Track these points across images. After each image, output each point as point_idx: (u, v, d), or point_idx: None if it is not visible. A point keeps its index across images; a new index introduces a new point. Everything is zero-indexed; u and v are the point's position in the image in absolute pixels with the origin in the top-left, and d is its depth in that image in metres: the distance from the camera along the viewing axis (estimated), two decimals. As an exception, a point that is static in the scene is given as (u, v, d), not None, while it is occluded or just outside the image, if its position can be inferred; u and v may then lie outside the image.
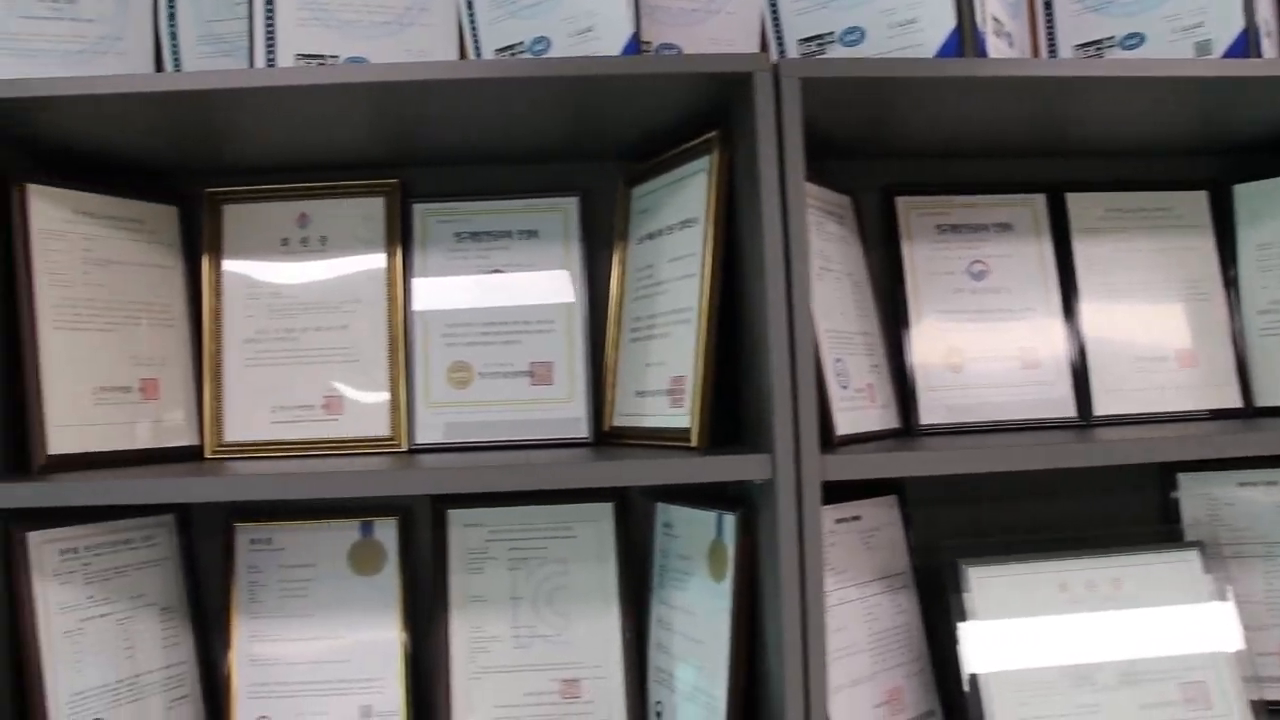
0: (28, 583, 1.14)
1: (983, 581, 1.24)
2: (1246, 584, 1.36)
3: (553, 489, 1.19)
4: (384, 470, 1.03)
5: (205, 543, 1.31)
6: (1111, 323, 1.33)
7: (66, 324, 1.17)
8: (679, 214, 1.16)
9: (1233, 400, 1.34)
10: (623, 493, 1.29)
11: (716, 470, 0.99)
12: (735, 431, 1.14)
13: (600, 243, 1.30)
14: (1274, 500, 1.36)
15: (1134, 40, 1.24)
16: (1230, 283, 1.37)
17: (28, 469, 1.11)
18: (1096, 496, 1.38)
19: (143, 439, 1.22)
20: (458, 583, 1.28)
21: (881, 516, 1.28)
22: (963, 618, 1.21)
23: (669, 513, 1.24)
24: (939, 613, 1.26)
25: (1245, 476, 1.38)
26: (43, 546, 1.16)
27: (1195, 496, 1.38)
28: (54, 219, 1.17)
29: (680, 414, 1.09)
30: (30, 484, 1.03)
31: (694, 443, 1.06)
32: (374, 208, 1.29)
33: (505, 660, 1.26)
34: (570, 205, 1.29)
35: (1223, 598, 1.26)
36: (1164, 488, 1.39)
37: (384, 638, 1.27)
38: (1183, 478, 1.39)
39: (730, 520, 1.10)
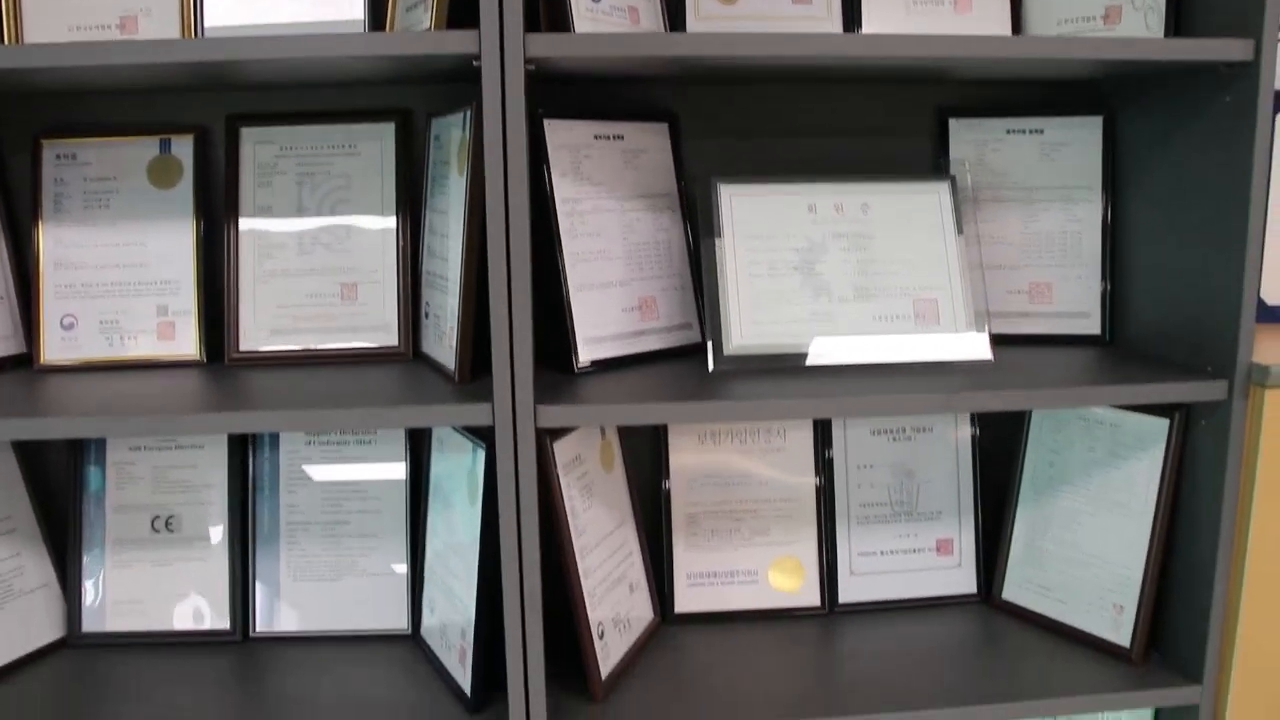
0: None
1: (735, 199, 1.31)
2: (1003, 225, 1.43)
3: (339, 110, 1.27)
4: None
5: (13, 160, 1.39)
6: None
7: None
8: None
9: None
10: (406, 113, 1.36)
11: (434, 43, 1.05)
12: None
13: None
14: (1037, 147, 1.43)
15: None
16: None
17: None
18: (873, 137, 1.44)
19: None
20: (248, 196, 1.36)
21: (648, 140, 1.35)
22: (711, 232, 1.29)
23: (439, 124, 1.31)
24: (700, 234, 1.34)
25: (1013, 124, 1.44)
26: None
27: (964, 141, 1.44)
28: None
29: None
30: None
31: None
32: None
33: (289, 266, 1.35)
34: None
35: (963, 229, 1.33)
36: (938, 132, 1.45)
37: (179, 245, 1.36)
38: (954, 122, 1.45)
39: (469, 114, 1.17)
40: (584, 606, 1.21)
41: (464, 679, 1.23)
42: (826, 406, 1.16)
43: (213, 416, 1.12)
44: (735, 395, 1.15)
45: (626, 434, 1.41)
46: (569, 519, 1.20)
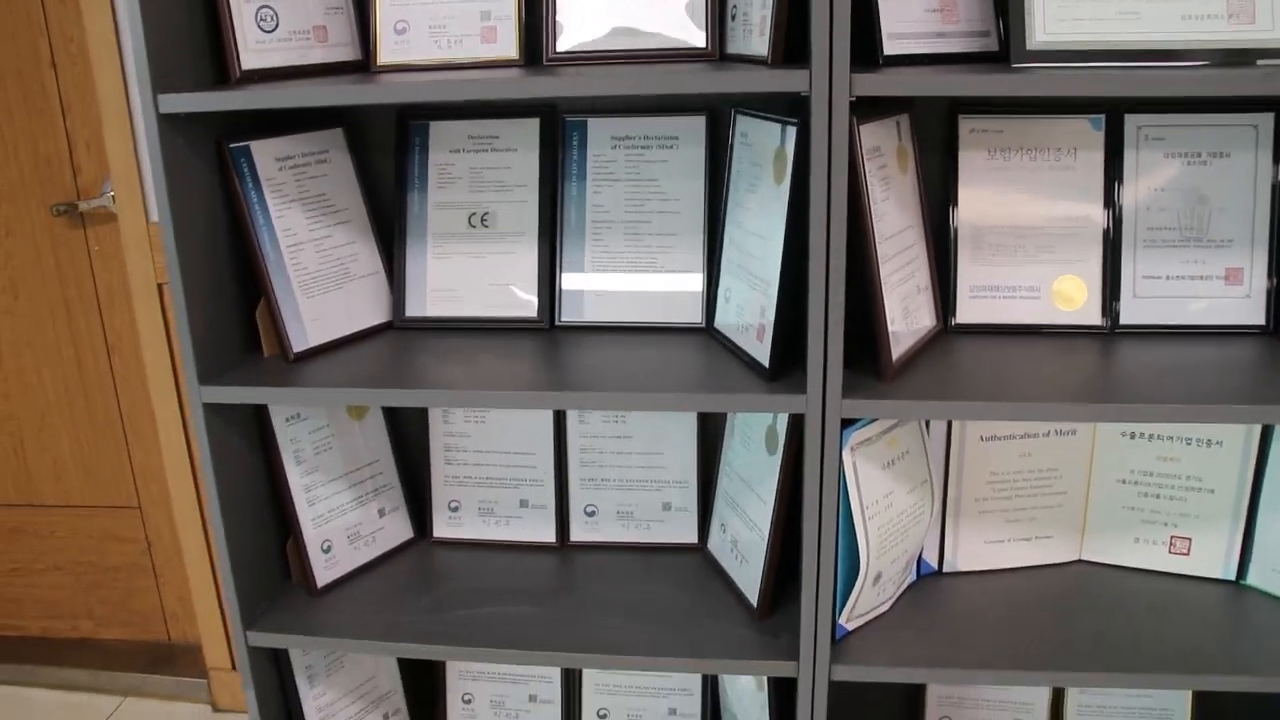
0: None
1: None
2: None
3: None
4: None
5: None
6: None
7: None
8: None
9: None
10: None
11: None
12: None
13: None
14: None
15: None
16: None
17: None
18: None
19: None
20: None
21: None
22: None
23: None
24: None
25: None
26: None
27: None
28: None
29: None
30: None
31: None
32: None
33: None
34: None
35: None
36: None
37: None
38: None
39: None
40: (879, 287, 1.27)
41: (762, 353, 1.31)
42: (1126, 85, 1.17)
43: (531, 81, 1.22)
44: (1044, 83, 1.17)
45: (921, 147, 1.44)
46: (869, 202, 1.25)
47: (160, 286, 1.96)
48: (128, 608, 2.44)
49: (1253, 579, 1.52)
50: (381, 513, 1.67)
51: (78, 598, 2.45)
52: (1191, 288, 1.47)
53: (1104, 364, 1.38)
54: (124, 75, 1.86)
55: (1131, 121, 1.46)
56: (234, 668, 2.26)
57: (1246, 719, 1.72)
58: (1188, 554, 1.55)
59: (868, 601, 1.43)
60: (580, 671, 1.75)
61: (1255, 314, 1.47)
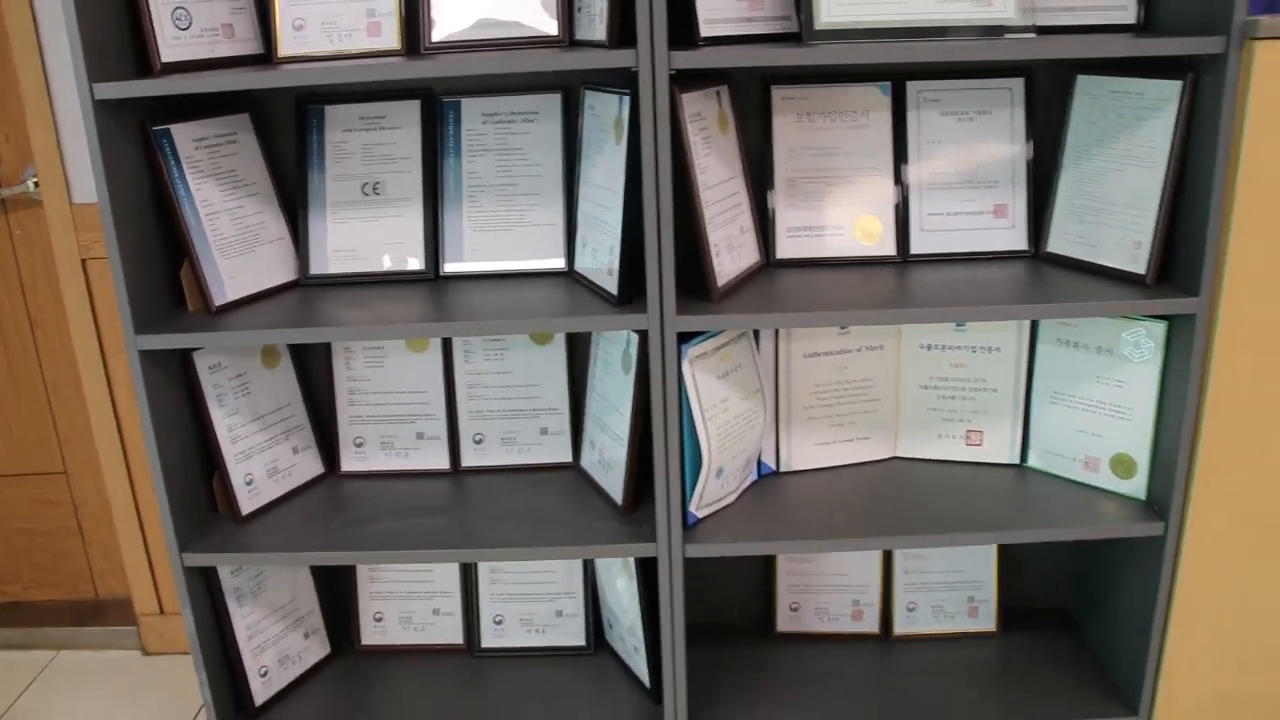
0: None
1: (826, -94, 1.61)
2: (1055, -69, 1.70)
3: None
4: None
5: (250, -108, 1.75)
6: None
7: None
8: None
9: None
10: None
11: None
12: None
13: None
14: None
15: None
16: None
17: None
18: None
19: None
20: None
21: None
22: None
23: None
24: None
25: None
26: None
27: None
28: None
29: None
30: None
31: None
32: None
33: (469, -29, 1.70)
34: None
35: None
36: None
37: (381, -43, 1.71)
38: None
39: None
40: (704, 224, 1.56)
41: (613, 286, 1.60)
42: (905, 52, 1.48)
43: (411, 65, 1.50)
44: (828, 53, 1.47)
45: (741, 113, 1.74)
46: (692, 155, 1.54)
47: (84, 262, 2.18)
48: (56, 570, 2.64)
49: (1033, 461, 1.85)
50: (295, 450, 1.91)
51: (6, 563, 2.64)
52: (967, 221, 1.80)
53: (899, 284, 1.69)
54: (44, 71, 2.07)
55: (912, 87, 1.78)
56: (162, 612, 2.47)
57: (1039, 588, 2.06)
58: (981, 444, 1.88)
59: (713, 493, 1.72)
60: (477, 584, 2.02)
61: (1019, 241, 1.80)
